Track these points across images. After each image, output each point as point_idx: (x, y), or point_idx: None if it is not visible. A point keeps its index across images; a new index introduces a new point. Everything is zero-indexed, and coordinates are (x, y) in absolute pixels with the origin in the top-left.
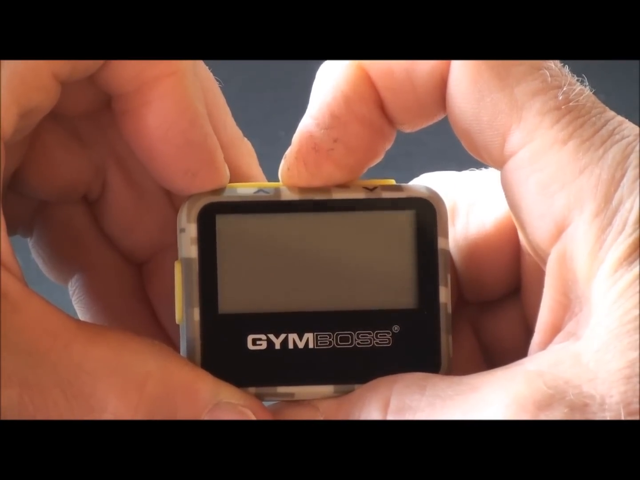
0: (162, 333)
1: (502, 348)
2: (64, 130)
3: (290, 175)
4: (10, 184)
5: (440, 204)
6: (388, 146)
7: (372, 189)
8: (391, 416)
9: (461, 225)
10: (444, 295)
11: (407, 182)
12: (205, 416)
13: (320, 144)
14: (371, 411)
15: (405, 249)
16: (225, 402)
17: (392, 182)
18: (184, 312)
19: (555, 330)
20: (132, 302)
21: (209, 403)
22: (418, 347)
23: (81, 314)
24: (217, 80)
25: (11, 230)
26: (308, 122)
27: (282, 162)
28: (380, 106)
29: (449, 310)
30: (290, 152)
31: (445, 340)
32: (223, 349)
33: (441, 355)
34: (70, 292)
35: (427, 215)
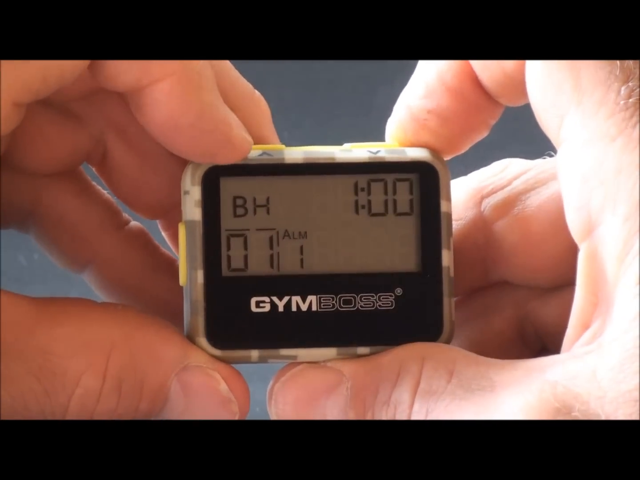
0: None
1: (547, 335)
2: (55, 110)
3: (394, 141)
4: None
5: (443, 167)
6: (490, 121)
7: (376, 152)
8: (418, 398)
9: (518, 208)
10: (447, 258)
11: None
12: (173, 380)
13: (415, 114)
14: (402, 392)
15: (409, 212)
16: (193, 366)
17: (396, 145)
18: (188, 274)
19: (584, 327)
20: (148, 274)
21: (176, 366)
22: (420, 310)
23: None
24: None
25: (4, 223)
26: (407, 93)
27: (387, 128)
28: (474, 79)
29: (452, 273)
30: (390, 120)
31: (448, 303)
32: (226, 311)
33: (443, 318)
34: (88, 282)
35: (430, 178)
